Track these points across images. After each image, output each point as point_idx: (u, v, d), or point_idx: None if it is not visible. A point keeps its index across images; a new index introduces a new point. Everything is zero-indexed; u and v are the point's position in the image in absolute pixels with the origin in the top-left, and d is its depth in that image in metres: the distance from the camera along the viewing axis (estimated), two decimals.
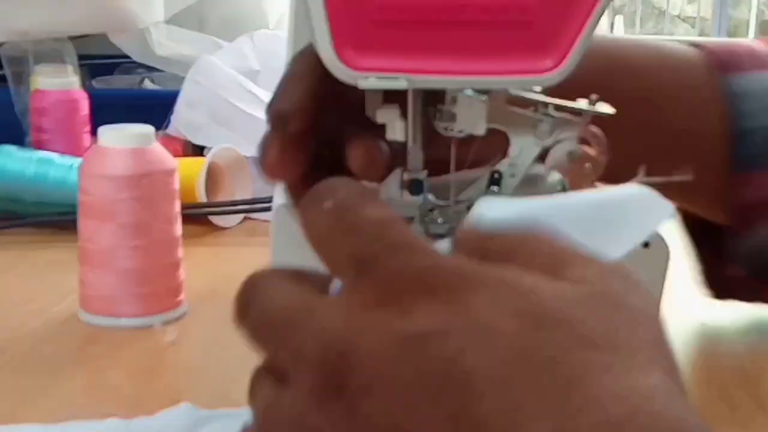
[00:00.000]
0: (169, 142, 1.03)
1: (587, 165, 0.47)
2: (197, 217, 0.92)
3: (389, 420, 0.29)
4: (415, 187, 0.48)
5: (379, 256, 0.31)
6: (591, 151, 0.47)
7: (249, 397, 0.34)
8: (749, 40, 0.77)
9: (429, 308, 0.30)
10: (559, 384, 0.28)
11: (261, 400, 0.33)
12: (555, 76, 0.42)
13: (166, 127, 1.09)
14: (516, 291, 0.30)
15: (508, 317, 0.29)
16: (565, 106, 0.47)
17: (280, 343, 0.32)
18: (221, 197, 0.98)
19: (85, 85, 1.16)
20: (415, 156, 0.48)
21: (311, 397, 0.30)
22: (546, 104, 0.47)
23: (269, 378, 0.33)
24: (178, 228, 0.70)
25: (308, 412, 0.30)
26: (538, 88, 0.47)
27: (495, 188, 0.48)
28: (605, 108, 0.47)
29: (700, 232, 0.66)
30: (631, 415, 0.27)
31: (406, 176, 0.48)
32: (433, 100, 0.46)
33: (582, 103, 0.47)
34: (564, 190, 0.48)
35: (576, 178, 0.47)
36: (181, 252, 0.70)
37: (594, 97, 0.47)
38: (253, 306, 0.33)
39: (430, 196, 0.49)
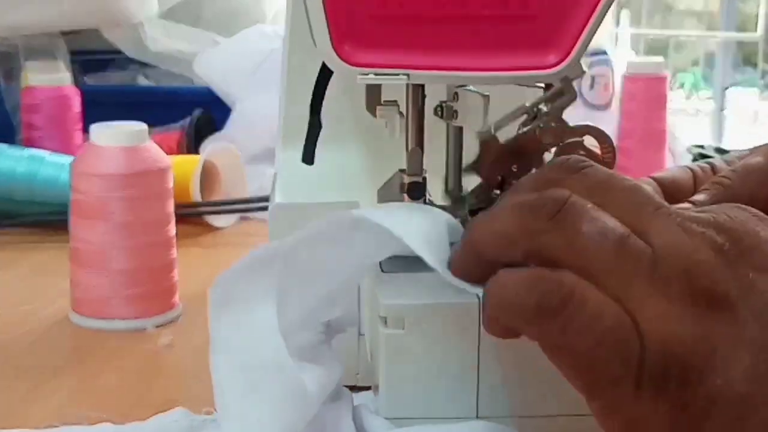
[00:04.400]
0: (164, 139, 1.01)
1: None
2: (192, 217, 0.91)
3: None
4: (415, 189, 0.47)
5: None
6: (598, 151, 0.46)
7: None
8: None
9: None
10: None
11: None
12: (559, 71, 0.41)
13: (160, 124, 1.08)
14: None
15: None
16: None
17: None
18: (216, 196, 0.97)
19: (77, 82, 1.15)
20: (415, 158, 0.46)
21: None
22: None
23: None
24: (172, 228, 0.69)
25: None
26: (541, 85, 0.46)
27: (497, 192, 0.47)
28: None
29: None
30: None
31: (406, 179, 0.47)
32: None
33: None
34: None
35: None
36: (175, 252, 0.69)
37: None
38: None
39: (430, 199, 0.48)
